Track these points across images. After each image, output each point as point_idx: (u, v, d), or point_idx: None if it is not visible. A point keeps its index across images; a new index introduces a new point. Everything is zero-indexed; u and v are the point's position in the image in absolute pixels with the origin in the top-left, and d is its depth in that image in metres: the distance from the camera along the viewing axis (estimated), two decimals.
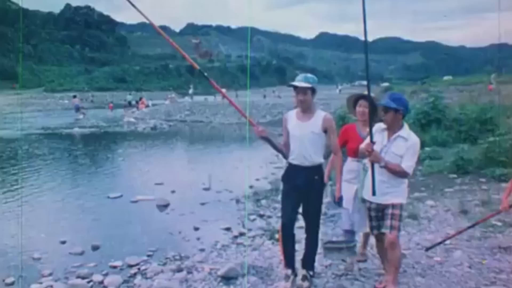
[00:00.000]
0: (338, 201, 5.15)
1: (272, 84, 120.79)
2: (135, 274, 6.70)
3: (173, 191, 11.94)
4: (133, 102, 52.42)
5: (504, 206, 4.76)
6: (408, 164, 4.61)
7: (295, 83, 4.89)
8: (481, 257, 6.17)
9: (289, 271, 5.11)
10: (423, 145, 13.80)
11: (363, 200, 5.09)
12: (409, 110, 4.79)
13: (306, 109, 5.02)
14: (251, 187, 11.99)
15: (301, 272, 5.19)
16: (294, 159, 5.05)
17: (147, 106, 48.04)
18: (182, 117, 39.36)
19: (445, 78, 71.27)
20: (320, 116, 5.00)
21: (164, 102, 51.88)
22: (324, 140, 5.02)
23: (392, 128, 4.74)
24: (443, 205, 8.97)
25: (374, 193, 4.64)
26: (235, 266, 6.08)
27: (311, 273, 5.20)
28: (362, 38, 4.47)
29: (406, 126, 4.77)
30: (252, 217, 9.50)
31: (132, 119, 36.77)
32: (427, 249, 5.35)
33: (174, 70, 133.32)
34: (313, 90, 4.96)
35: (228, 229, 8.74)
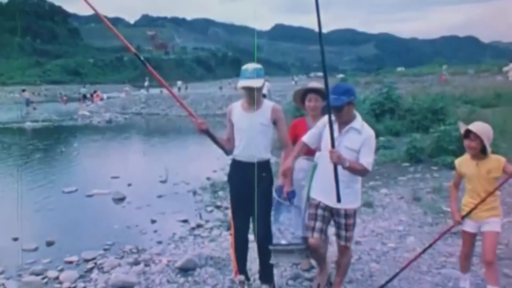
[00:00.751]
0: (288, 196, 4.43)
1: (228, 76, 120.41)
2: (91, 268, 6.60)
3: (129, 184, 11.81)
4: (88, 95, 51.45)
5: (457, 220, 4.49)
6: (368, 161, 4.10)
7: (248, 84, 4.41)
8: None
9: (242, 277, 4.82)
10: (377, 134, 14.08)
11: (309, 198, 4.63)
12: (356, 96, 4.29)
13: (252, 94, 4.52)
14: (208, 178, 11.97)
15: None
16: (239, 155, 4.64)
17: (101, 99, 47.28)
18: (138, 110, 38.91)
19: (398, 69, 72.80)
20: (268, 106, 4.59)
21: (119, 95, 51.12)
22: (272, 134, 4.63)
23: (343, 120, 4.20)
24: (396, 193, 9.19)
25: (339, 200, 3.97)
26: (192, 258, 6.09)
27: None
28: (317, 30, 3.86)
29: (358, 116, 4.24)
30: (209, 208, 9.51)
31: (86, 113, 36.14)
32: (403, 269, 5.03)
33: (129, 62, 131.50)
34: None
35: (185, 221, 8.70)
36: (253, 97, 4.45)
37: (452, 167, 10.91)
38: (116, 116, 34.53)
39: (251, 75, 4.43)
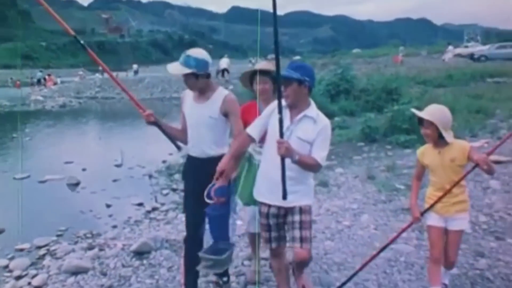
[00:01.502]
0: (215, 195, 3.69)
1: None
2: (44, 255, 6.45)
3: (84, 169, 11.59)
4: (42, 80, 50.03)
5: (416, 216, 4.04)
6: (321, 155, 3.53)
7: (169, 70, 3.96)
8: (386, 219, 6.49)
9: None
10: (332, 115, 14.24)
11: (253, 203, 4.08)
12: (314, 81, 3.67)
13: (202, 90, 4.02)
14: (164, 161, 11.86)
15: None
16: (191, 149, 4.16)
17: (55, 83, 46.07)
18: (93, 94, 38.12)
19: (354, 51, 73.39)
20: (220, 96, 4.00)
21: (73, 79, 49.94)
22: (225, 127, 4.07)
23: (296, 106, 3.61)
24: (351, 172, 9.31)
25: (284, 197, 3.39)
26: (147, 241, 6.04)
27: (225, 279, 4.46)
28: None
29: (313, 104, 3.67)
30: (165, 191, 9.43)
31: (39, 97, 35.16)
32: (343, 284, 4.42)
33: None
34: (197, 75, 3.89)
35: (140, 204, 8.62)
36: (190, 86, 4.01)
37: (405, 145, 11.22)
38: (71, 101, 33.77)
39: (181, 60, 3.90)
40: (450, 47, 38.30)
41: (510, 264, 4.75)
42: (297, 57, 61.43)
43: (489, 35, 79.85)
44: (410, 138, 11.23)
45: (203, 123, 4.00)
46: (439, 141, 3.81)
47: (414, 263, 5.01)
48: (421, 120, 3.85)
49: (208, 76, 3.99)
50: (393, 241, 4.33)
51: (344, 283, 4.32)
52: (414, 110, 4.01)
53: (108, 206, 8.72)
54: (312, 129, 3.56)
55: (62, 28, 4.18)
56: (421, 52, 49.62)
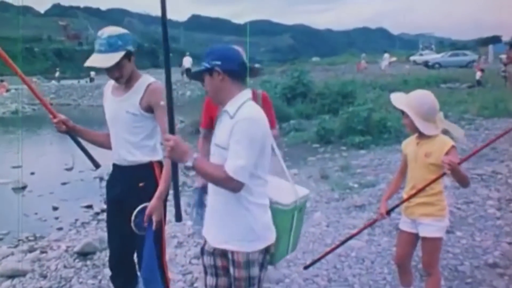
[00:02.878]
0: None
1: (144, 67, 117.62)
2: None
3: (32, 173, 11.20)
4: None
5: (381, 212, 3.55)
6: (235, 163, 2.35)
7: (94, 64, 3.05)
8: (338, 216, 6.42)
9: None
10: (288, 117, 14.22)
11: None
12: (233, 62, 2.56)
13: (112, 75, 3.15)
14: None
15: None
16: (112, 155, 3.32)
17: (7, 90, 44.83)
18: (48, 101, 37.05)
19: (313, 59, 74.08)
20: (142, 85, 3.15)
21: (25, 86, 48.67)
22: (152, 124, 3.20)
23: (222, 102, 2.60)
24: (305, 172, 9.26)
25: (177, 219, 2.67)
26: (92, 241, 5.83)
27: None
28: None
29: (242, 93, 2.55)
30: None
31: None
32: (306, 267, 3.96)
33: (40, 53, 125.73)
34: (129, 56, 3.11)
35: (89, 206, 8.40)
36: (114, 78, 3.16)
37: (360, 146, 11.27)
38: (24, 107, 32.89)
39: (101, 47, 3.03)
40: (386, 55, 39.30)
41: (458, 256, 4.75)
42: (257, 65, 61.46)
43: (443, 44, 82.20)
44: (365, 139, 11.31)
45: (119, 120, 3.16)
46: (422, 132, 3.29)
47: (364, 258, 4.94)
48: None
49: (129, 55, 3.13)
50: (357, 234, 4.01)
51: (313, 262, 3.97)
52: (391, 96, 3.46)
53: (55, 208, 8.47)
54: (227, 129, 2.48)
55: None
56: (379, 60, 50.47)
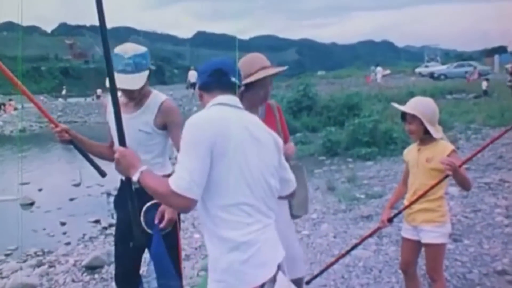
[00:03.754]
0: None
1: (151, 84, 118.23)
2: None
3: (40, 190, 11.26)
4: (2, 106, 49.03)
5: (383, 220, 3.57)
6: (176, 175, 1.99)
7: (124, 86, 2.94)
8: (346, 227, 6.41)
9: None
10: (295, 131, 14.22)
11: None
12: (209, 75, 2.31)
13: (132, 95, 3.09)
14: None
15: None
16: None
17: (15, 109, 45.16)
18: (55, 118, 37.35)
19: (319, 73, 74.25)
20: (154, 104, 3.10)
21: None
22: (166, 141, 3.19)
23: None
24: (312, 184, 9.23)
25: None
26: (100, 255, 5.86)
27: None
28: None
29: (211, 102, 2.24)
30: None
31: None
32: (308, 282, 3.88)
33: (47, 72, 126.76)
34: (149, 74, 3.09)
35: (97, 221, 8.40)
36: (132, 97, 3.11)
37: (366, 157, 11.27)
38: (31, 125, 33.10)
39: (127, 67, 2.96)
40: (378, 68, 39.54)
41: (466, 264, 4.73)
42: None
43: (449, 55, 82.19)
44: (371, 151, 11.30)
45: (132, 138, 2.87)
46: (425, 137, 3.32)
47: (372, 268, 4.93)
48: (404, 116, 3.39)
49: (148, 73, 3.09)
50: (360, 243, 3.97)
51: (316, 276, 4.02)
52: (395, 105, 3.52)
53: (63, 224, 8.47)
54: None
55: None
56: (384, 73, 50.57)
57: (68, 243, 7.28)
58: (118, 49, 3.01)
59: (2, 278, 5.88)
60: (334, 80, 44.54)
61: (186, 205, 1.96)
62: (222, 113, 2.14)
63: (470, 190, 3.53)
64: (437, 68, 44.10)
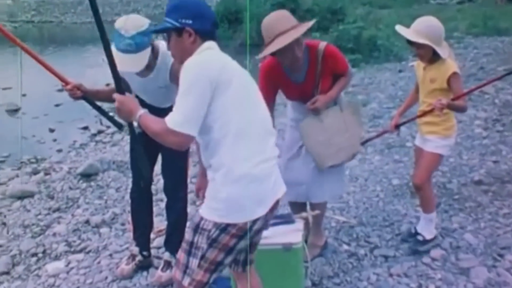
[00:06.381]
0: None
1: None
2: None
3: (23, 95, 11.13)
4: None
5: (392, 125, 3.75)
6: (173, 113, 2.06)
7: (123, 68, 2.75)
8: None
9: (136, 249, 3.62)
10: None
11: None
12: (204, 20, 2.26)
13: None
14: (107, 84, 11.52)
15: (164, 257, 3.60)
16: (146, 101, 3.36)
17: None
18: (29, 18, 36.12)
19: None
20: (166, 65, 3.13)
21: (5, 1, 47.16)
22: None
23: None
24: None
25: None
26: (94, 163, 6.01)
27: None
28: None
29: (201, 49, 2.23)
30: (110, 113, 9.26)
31: None
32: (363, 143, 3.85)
33: None
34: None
35: (85, 128, 8.50)
36: (143, 75, 3.15)
37: (350, 65, 11.32)
38: (4, 25, 31.50)
39: (128, 47, 2.89)
40: None
41: (446, 174, 4.95)
42: None
43: None
44: (355, 58, 11.32)
45: (156, 95, 3.26)
46: (433, 58, 3.31)
47: (358, 176, 5.16)
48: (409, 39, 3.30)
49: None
50: (366, 142, 4.12)
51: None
52: (401, 31, 3.33)
53: (52, 130, 8.57)
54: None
55: None
56: None
57: (59, 150, 7.42)
58: (119, 24, 2.93)
59: (0, 184, 6.06)
60: None
61: (182, 141, 2.05)
62: (219, 55, 2.23)
63: (465, 111, 3.62)
64: None
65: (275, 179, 2.27)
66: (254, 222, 2.18)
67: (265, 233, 2.50)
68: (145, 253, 3.61)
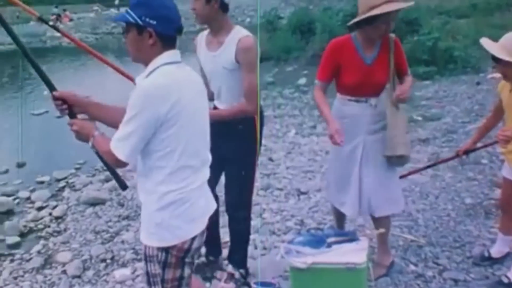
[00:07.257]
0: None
1: None
2: (63, 187, 6.64)
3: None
4: (58, 16, 49.45)
5: (460, 150, 3.59)
6: (115, 136, 2.10)
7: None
8: None
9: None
10: None
11: None
12: (167, 21, 2.15)
13: (213, 28, 3.16)
14: None
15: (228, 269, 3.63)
16: (215, 100, 3.34)
17: (71, 19, 45.59)
18: (109, 30, 37.70)
19: None
20: (234, 39, 3.07)
21: (88, 15, 49.39)
22: None
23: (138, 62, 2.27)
24: None
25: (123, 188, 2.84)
26: None
27: (242, 271, 3.55)
28: None
29: (161, 58, 2.15)
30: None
31: (56, 34, 34.92)
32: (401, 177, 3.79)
33: None
34: None
35: None
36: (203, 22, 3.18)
37: (424, 77, 11.01)
38: (87, 37, 33.46)
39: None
40: None
41: None
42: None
43: None
44: (430, 70, 11.03)
45: (217, 76, 3.20)
46: None
47: (429, 193, 5.02)
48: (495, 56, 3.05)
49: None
50: (436, 164, 4.29)
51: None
52: (486, 45, 3.12)
53: None
54: None
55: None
56: None
57: None
58: None
59: (76, 190, 6.32)
60: None
61: (118, 164, 2.14)
62: (173, 77, 2.13)
63: None
64: None
65: (206, 197, 2.34)
66: (193, 240, 2.23)
67: (329, 251, 2.54)
68: (211, 257, 3.73)
